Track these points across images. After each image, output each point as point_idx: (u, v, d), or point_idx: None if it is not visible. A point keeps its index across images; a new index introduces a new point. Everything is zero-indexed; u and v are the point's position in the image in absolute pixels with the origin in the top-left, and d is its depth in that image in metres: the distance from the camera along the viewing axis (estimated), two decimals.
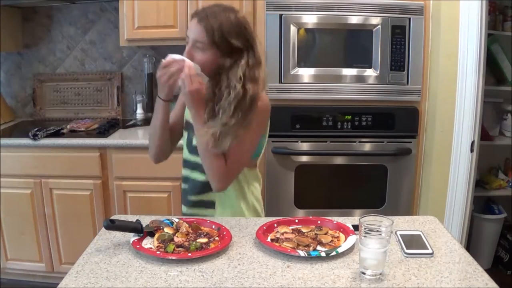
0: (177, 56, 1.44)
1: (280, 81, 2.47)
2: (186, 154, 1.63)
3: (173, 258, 1.23)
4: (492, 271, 2.74)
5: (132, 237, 1.33)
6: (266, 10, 2.42)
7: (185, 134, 1.64)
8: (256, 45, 1.48)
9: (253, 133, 1.52)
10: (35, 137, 2.56)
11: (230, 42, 1.42)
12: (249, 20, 2.53)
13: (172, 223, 1.43)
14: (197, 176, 1.59)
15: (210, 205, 1.60)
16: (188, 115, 1.60)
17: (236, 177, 1.55)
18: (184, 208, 1.68)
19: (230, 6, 1.49)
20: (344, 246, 1.28)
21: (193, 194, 1.62)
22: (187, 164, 1.63)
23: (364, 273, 1.14)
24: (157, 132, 1.59)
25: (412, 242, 1.32)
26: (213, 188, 1.52)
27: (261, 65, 1.49)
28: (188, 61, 1.43)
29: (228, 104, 1.42)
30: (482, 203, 3.04)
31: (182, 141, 1.66)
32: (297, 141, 2.53)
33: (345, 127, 2.52)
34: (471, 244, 2.90)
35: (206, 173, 1.52)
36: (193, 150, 1.57)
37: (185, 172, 1.64)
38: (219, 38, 1.41)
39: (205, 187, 1.56)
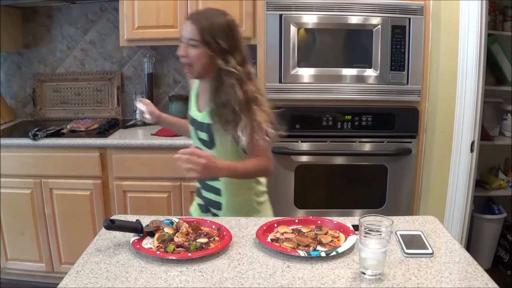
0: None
1: (280, 81, 2.47)
2: (196, 144, 1.73)
3: (173, 258, 1.23)
4: (492, 271, 2.73)
5: (132, 237, 1.33)
6: (266, 10, 2.41)
7: (192, 128, 1.74)
8: (243, 47, 1.61)
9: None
10: (35, 137, 2.56)
11: (219, 43, 1.54)
12: (249, 20, 2.58)
13: (172, 223, 1.43)
14: None
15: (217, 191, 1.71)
16: (192, 112, 1.72)
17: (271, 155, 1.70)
18: (198, 200, 1.81)
19: (222, 10, 1.62)
20: (344, 246, 1.28)
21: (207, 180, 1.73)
22: None
23: (364, 273, 1.14)
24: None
25: (412, 242, 1.32)
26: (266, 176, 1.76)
27: (249, 62, 1.62)
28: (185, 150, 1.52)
29: (233, 110, 1.54)
30: (482, 203, 3.04)
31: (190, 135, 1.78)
32: (297, 141, 2.53)
33: (345, 127, 2.52)
34: (471, 244, 2.90)
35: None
36: (201, 142, 1.69)
37: None
38: (209, 38, 1.54)
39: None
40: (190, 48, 1.57)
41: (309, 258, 1.23)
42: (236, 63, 1.56)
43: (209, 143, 1.66)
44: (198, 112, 1.69)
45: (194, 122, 1.71)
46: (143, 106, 1.84)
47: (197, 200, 1.82)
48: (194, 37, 1.55)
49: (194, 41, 1.55)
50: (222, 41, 1.55)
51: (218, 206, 1.71)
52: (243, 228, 1.44)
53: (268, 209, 1.81)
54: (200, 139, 1.69)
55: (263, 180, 1.80)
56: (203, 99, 1.69)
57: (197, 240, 1.32)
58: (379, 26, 2.41)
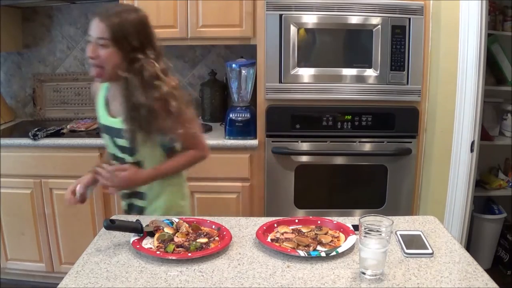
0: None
1: (280, 81, 2.47)
2: (113, 152, 1.66)
3: (173, 258, 1.23)
4: (492, 271, 2.73)
5: (132, 237, 1.33)
6: (266, 10, 2.41)
7: (107, 137, 1.66)
8: (155, 42, 1.54)
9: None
10: (35, 137, 2.56)
11: (130, 41, 1.47)
12: (249, 20, 2.58)
13: (172, 223, 1.43)
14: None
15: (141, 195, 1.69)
16: (105, 120, 1.64)
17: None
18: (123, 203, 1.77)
19: (132, 6, 1.59)
20: (344, 246, 1.28)
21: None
22: (116, 161, 1.67)
23: (364, 273, 1.14)
24: None
25: (412, 242, 1.32)
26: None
27: (163, 58, 1.55)
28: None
29: (151, 111, 1.47)
30: (482, 203, 3.04)
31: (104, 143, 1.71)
32: (297, 141, 2.53)
33: (345, 127, 2.52)
34: (471, 244, 2.90)
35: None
36: (119, 150, 1.62)
37: None
38: (120, 36, 1.46)
39: None
40: (100, 48, 1.48)
41: (309, 258, 1.23)
42: (151, 61, 1.49)
43: (129, 150, 1.59)
44: (112, 118, 1.61)
45: (110, 129, 1.62)
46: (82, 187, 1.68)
47: (123, 204, 1.78)
48: (103, 35, 1.46)
49: (103, 40, 1.46)
50: (134, 38, 1.47)
51: (140, 210, 1.69)
52: (243, 228, 1.44)
53: (188, 211, 1.79)
54: (119, 146, 1.62)
55: (185, 183, 1.79)
56: (115, 104, 1.59)
57: (197, 240, 1.32)
58: (379, 26, 2.41)
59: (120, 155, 1.63)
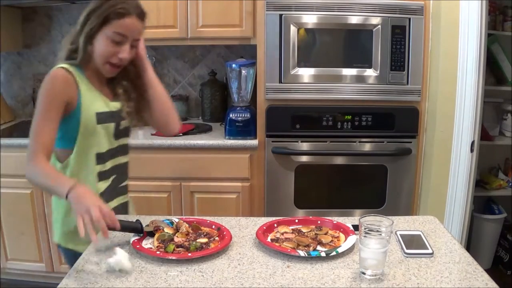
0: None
1: (280, 81, 2.47)
2: (107, 146, 1.54)
3: (173, 258, 1.23)
4: (492, 271, 2.74)
5: (132, 237, 1.33)
6: (266, 10, 2.41)
7: (107, 126, 1.51)
8: None
9: None
10: None
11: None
12: (249, 20, 2.59)
13: (172, 223, 1.43)
14: (123, 159, 1.63)
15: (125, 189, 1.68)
16: (104, 107, 1.51)
17: None
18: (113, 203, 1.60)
19: None
20: (344, 246, 1.28)
21: (124, 180, 1.65)
22: (113, 154, 1.57)
23: (364, 273, 1.14)
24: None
25: (412, 242, 1.32)
26: (174, 129, 1.66)
27: None
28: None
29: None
30: (482, 203, 3.04)
31: (104, 139, 1.53)
32: (297, 141, 2.53)
33: (345, 127, 2.52)
34: (471, 244, 2.90)
35: (173, 112, 1.64)
36: (119, 134, 1.57)
37: (113, 162, 1.57)
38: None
39: (127, 166, 1.66)
40: (132, 49, 1.46)
41: (309, 258, 1.23)
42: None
43: (128, 130, 1.62)
44: (112, 102, 1.54)
45: (114, 114, 1.53)
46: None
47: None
48: (140, 36, 1.45)
49: (138, 41, 1.47)
50: None
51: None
52: (243, 228, 1.44)
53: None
54: (122, 130, 1.57)
55: None
56: (105, 89, 1.54)
57: (197, 240, 1.32)
58: (379, 26, 2.41)
59: (118, 141, 1.57)
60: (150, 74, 1.58)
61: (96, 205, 1.20)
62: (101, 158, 1.53)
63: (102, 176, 1.54)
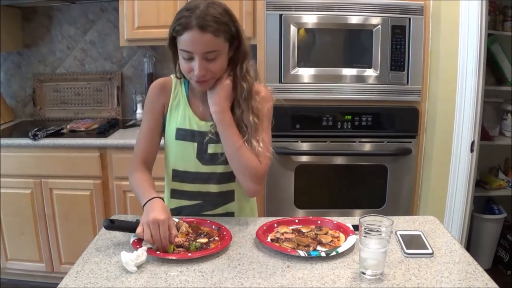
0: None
1: (280, 81, 2.47)
2: (195, 167, 1.47)
3: (173, 258, 1.23)
4: (492, 271, 2.73)
5: (132, 237, 1.33)
6: (266, 10, 2.42)
7: (191, 145, 1.44)
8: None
9: (268, 123, 1.46)
10: (35, 137, 2.56)
11: (232, 32, 1.34)
12: (249, 20, 2.58)
13: None
14: (212, 188, 1.50)
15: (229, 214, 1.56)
16: (190, 124, 1.44)
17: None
18: None
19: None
20: (344, 246, 1.28)
21: (211, 209, 1.52)
22: (197, 178, 1.48)
23: (364, 273, 1.14)
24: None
25: (412, 242, 1.32)
26: (250, 192, 1.44)
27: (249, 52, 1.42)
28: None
29: (244, 98, 1.38)
30: (482, 203, 3.04)
31: (180, 157, 1.47)
32: (297, 141, 2.53)
33: (345, 127, 2.52)
34: (471, 244, 2.90)
35: (242, 176, 1.40)
36: (208, 159, 1.45)
37: (195, 187, 1.50)
38: (226, 38, 1.32)
39: (222, 196, 1.52)
40: (210, 62, 1.31)
41: (309, 258, 1.23)
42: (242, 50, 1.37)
43: (220, 156, 1.43)
44: (203, 121, 1.43)
45: (194, 134, 1.43)
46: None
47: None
48: (213, 48, 1.29)
49: (214, 53, 1.30)
50: (233, 27, 1.32)
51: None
52: (243, 228, 1.44)
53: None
54: (211, 155, 1.44)
55: None
56: (202, 105, 1.44)
57: (197, 240, 1.32)
58: (379, 26, 2.41)
59: (209, 166, 1.45)
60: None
61: (156, 221, 1.23)
62: (177, 176, 1.49)
63: (175, 193, 1.53)
